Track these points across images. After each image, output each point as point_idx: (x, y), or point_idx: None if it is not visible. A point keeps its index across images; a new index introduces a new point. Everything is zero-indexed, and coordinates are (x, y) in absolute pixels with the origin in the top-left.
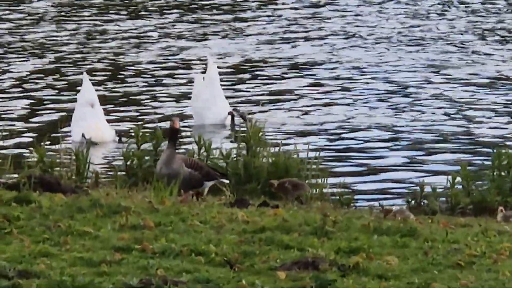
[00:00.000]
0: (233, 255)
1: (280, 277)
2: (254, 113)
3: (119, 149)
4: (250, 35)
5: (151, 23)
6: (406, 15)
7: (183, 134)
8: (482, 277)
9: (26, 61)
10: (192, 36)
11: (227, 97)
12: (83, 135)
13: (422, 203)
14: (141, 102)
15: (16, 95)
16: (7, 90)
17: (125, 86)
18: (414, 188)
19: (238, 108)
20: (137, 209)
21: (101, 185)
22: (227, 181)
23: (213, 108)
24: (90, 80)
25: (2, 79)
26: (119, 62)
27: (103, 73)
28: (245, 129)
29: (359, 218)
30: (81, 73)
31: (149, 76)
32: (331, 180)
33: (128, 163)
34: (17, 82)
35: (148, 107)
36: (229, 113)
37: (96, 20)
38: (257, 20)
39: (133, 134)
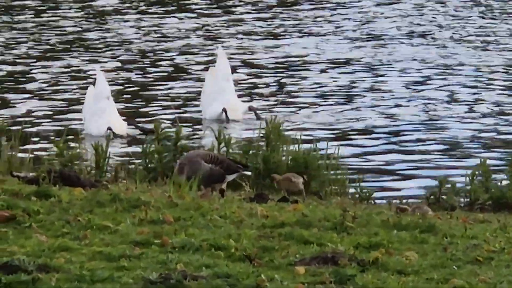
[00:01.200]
0: (253, 250)
1: (299, 272)
2: (274, 106)
3: (138, 141)
4: (291, 32)
5: (195, 21)
6: (456, 14)
7: (196, 127)
8: (501, 272)
9: (62, 59)
10: (234, 34)
11: (257, 93)
12: (109, 129)
13: (441, 198)
14: (167, 98)
15: (47, 91)
16: (41, 86)
17: (156, 81)
18: (434, 184)
19: (252, 105)
20: (156, 203)
21: (121, 180)
22: (249, 173)
23: (215, 102)
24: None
25: (35, 77)
26: (158, 59)
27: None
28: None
29: (379, 214)
30: (112, 70)
31: (191, 74)
32: (351, 176)
33: (148, 158)
34: (52, 79)
35: (171, 103)
36: (223, 110)
37: (133, 17)
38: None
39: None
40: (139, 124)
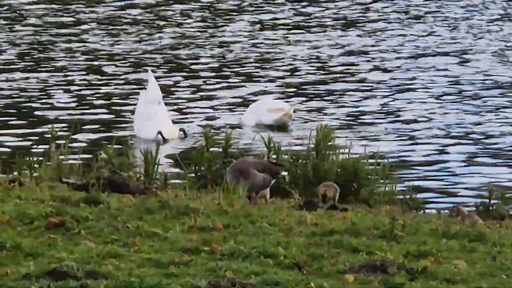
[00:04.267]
0: (302, 258)
1: (349, 280)
2: (319, 113)
3: (186, 147)
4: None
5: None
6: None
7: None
8: None
9: (99, 66)
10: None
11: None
12: (159, 133)
13: (490, 207)
14: (208, 102)
15: (89, 95)
16: (82, 90)
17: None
18: (483, 193)
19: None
20: (206, 210)
21: (170, 187)
22: (285, 173)
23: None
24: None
25: (75, 80)
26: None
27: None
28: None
29: (428, 222)
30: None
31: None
32: (400, 184)
33: (197, 164)
34: (91, 84)
35: (216, 108)
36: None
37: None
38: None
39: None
40: (187, 130)
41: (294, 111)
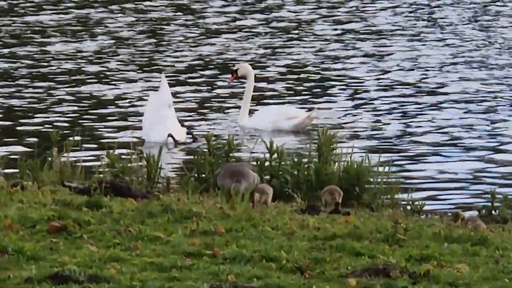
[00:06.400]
0: (304, 262)
1: (351, 284)
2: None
3: (190, 152)
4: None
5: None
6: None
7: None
8: None
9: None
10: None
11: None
12: (170, 136)
13: (493, 211)
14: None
15: (97, 98)
16: (83, 94)
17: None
18: (486, 197)
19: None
20: (208, 214)
21: (172, 190)
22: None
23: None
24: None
25: (74, 81)
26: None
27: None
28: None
29: (430, 226)
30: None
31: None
32: (402, 188)
33: (200, 168)
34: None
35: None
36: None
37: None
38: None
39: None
40: (195, 134)
41: (315, 116)
